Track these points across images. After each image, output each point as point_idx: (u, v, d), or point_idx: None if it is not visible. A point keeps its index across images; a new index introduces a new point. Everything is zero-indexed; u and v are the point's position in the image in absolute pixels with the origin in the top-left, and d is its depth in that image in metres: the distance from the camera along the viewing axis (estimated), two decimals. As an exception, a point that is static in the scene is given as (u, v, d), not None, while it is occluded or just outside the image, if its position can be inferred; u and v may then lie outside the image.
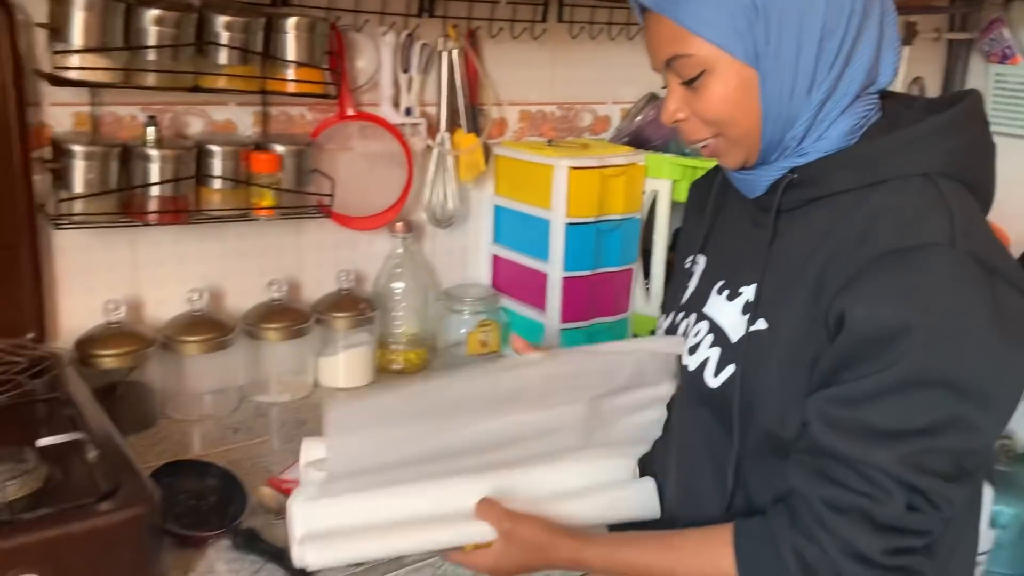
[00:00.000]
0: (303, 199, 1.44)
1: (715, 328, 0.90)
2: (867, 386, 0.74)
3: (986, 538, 2.16)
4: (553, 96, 1.82)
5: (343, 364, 1.53)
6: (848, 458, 0.76)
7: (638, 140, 1.82)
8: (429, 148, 1.64)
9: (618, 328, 1.71)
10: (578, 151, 1.65)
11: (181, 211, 1.34)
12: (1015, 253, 2.27)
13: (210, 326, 1.41)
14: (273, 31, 1.35)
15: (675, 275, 1.06)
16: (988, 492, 2.14)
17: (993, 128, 2.60)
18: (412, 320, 1.62)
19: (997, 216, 2.75)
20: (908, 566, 0.77)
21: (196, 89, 1.32)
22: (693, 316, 0.94)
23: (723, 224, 0.98)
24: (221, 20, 1.28)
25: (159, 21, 1.23)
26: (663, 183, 1.67)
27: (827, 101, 0.82)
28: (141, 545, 0.92)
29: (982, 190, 0.84)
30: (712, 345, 0.90)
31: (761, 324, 0.85)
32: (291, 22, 1.35)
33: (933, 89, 2.48)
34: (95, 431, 1.04)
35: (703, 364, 0.90)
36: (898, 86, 2.36)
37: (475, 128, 1.67)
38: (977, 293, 0.73)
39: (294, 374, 1.51)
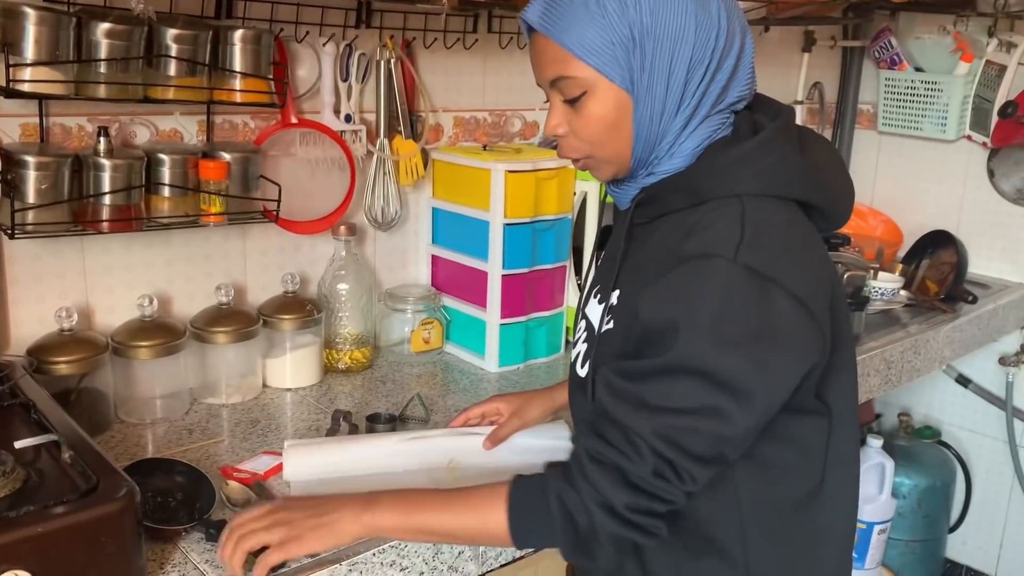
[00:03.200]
0: (250, 205, 1.49)
1: (589, 326, 1.04)
2: (643, 366, 0.87)
3: (888, 507, 2.35)
4: (485, 103, 1.90)
5: (290, 365, 1.58)
6: (616, 420, 0.88)
7: (566, 144, 1.92)
8: (370, 154, 1.70)
9: (554, 321, 1.80)
10: (512, 155, 1.74)
11: (132, 219, 1.37)
12: (907, 243, 2.48)
13: (160, 331, 1.44)
14: (220, 43, 1.39)
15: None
16: (889, 464, 2.32)
17: (883, 129, 2.82)
18: (357, 320, 1.68)
19: (889, 208, 2.96)
20: (647, 526, 0.89)
21: (145, 100, 1.35)
22: (582, 316, 1.09)
23: (614, 236, 1.11)
24: (170, 33, 1.32)
25: (110, 34, 1.26)
26: (592, 185, 1.77)
27: (689, 122, 0.92)
28: (124, 537, 0.95)
29: (806, 198, 0.94)
30: (584, 341, 1.05)
31: (610, 325, 0.98)
32: (238, 34, 1.39)
33: (832, 94, 2.66)
34: (65, 433, 1.07)
35: (578, 356, 1.05)
36: (799, 92, 2.54)
37: (413, 134, 1.74)
38: (744, 300, 0.84)
39: (243, 376, 1.55)
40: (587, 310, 1.07)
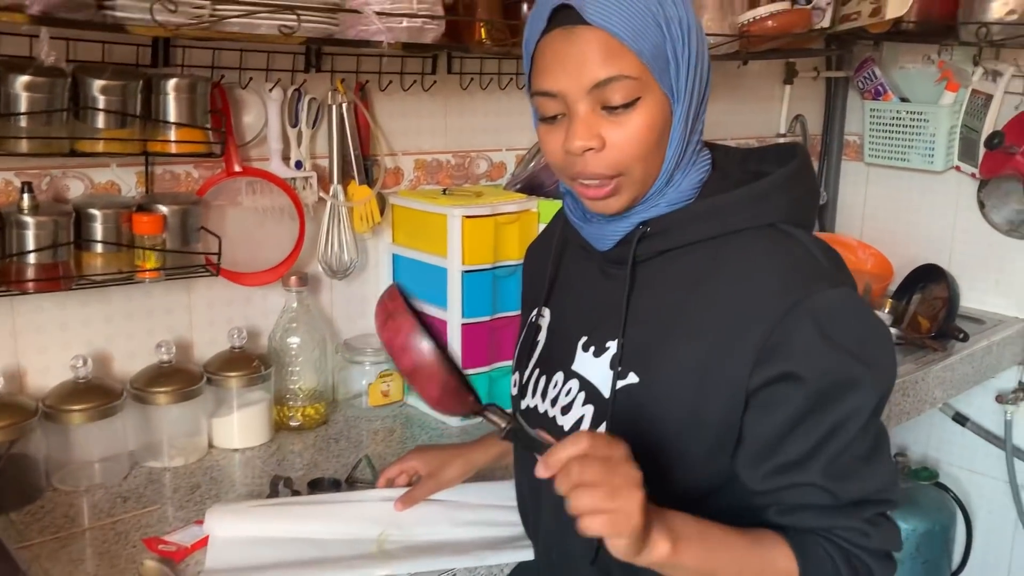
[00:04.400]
0: (190, 258, 1.42)
1: (587, 385, 0.91)
2: (849, 431, 0.80)
3: (885, 555, 2.24)
4: (447, 145, 1.84)
5: (238, 424, 1.51)
6: (868, 492, 0.82)
7: (532, 186, 1.85)
8: (322, 201, 1.64)
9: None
10: (472, 200, 1.68)
11: (60, 277, 1.30)
12: (899, 277, 2.40)
13: (96, 393, 1.37)
14: (153, 92, 1.34)
15: (521, 331, 1.07)
16: (884, 510, 2.22)
17: (868, 160, 2.74)
18: (310, 374, 1.61)
19: (878, 241, 2.87)
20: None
21: (73, 153, 1.29)
22: (560, 375, 0.95)
23: (568, 278, 1.00)
24: (96, 84, 1.27)
25: (30, 87, 1.21)
26: (556, 228, 1.71)
27: (687, 149, 0.86)
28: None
29: (809, 229, 0.91)
30: (585, 403, 0.91)
31: (632, 378, 0.86)
32: (171, 83, 1.34)
33: (814, 126, 2.60)
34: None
35: (578, 422, 0.91)
36: (782, 125, 2.48)
37: (368, 179, 1.68)
38: (868, 312, 0.84)
39: (187, 437, 1.47)
40: (576, 367, 0.93)
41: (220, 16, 1.21)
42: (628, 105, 0.80)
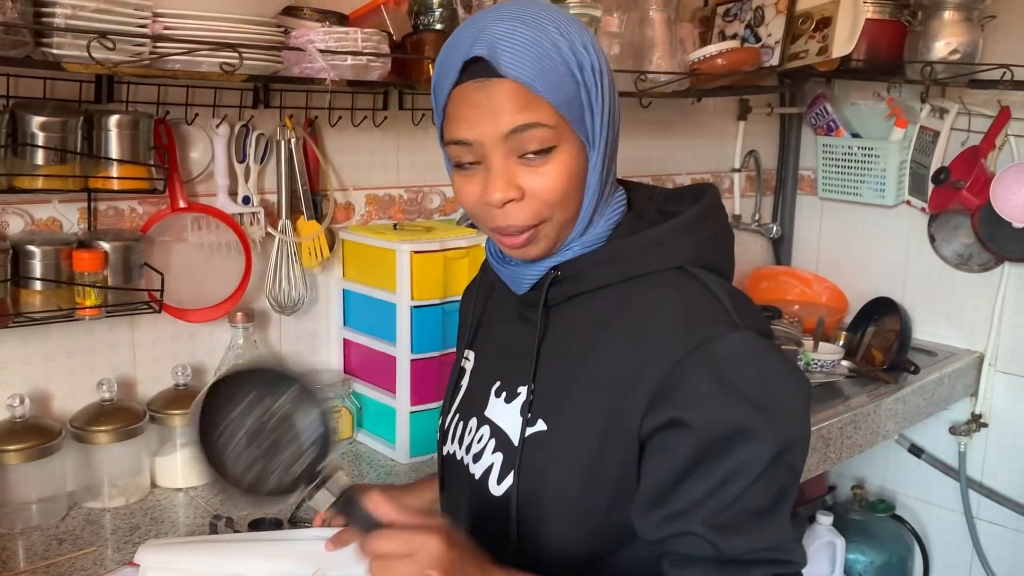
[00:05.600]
0: (132, 295, 1.41)
1: (496, 431, 0.89)
2: (739, 483, 0.76)
3: (842, 587, 2.24)
4: (400, 180, 1.85)
5: (181, 463, 1.48)
6: (756, 549, 0.77)
7: (484, 220, 1.86)
8: (270, 236, 1.64)
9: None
10: (421, 235, 1.68)
11: (-4, 315, 1.29)
12: (852, 308, 2.43)
13: (33, 432, 1.35)
14: (95, 128, 1.33)
15: (451, 375, 1.05)
16: (840, 543, 2.23)
17: (822, 195, 2.78)
18: (257, 411, 1.59)
19: (833, 274, 2.91)
20: None
21: (11, 190, 1.28)
22: (474, 420, 0.93)
23: (490, 321, 0.99)
24: (35, 120, 1.26)
25: (-35, 123, 1.20)
26: (507, 263, 1.71)
27: (604, 191, 0.85)
28: None
29: (726, 271, 0.89)
30: (495, 450, 0.89)
31: (540, 426, 0.85)
32: (113, 120, 1.33)
33: (769, 160, 2.63)
34: None
35: (488, 471, 0.88)
36: (736, 160, 2.51)
37: (317, 215, 1.68)
38: (775, 358, 0.80)
39: (130, 476, 1.45)
40: (488, 413, 0.91)
41: (160, 54, 1.21)
42: (545, 152, 0.80)
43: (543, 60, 0.78)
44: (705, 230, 0.86)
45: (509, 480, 0.86)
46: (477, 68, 0.79)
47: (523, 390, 0.88)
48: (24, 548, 1.30)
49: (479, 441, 0.91)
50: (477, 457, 0.91)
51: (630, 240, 0.85)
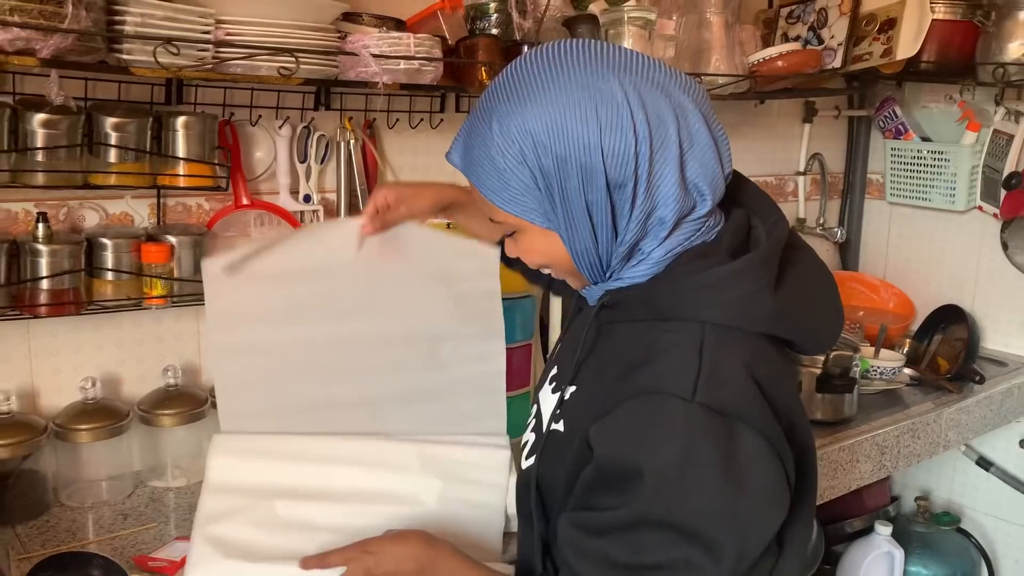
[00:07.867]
0: (197, 287, 1.48)
1: (538, 413, 0.98)
2: (607, 520, 0.80)
3: (903, 601, 2.19)
4: (454, 181, 1.89)
5: (240, 447, 1.56)
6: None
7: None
8: (329, 233, 1.70)
9: (519, 401, 1.75)
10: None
11: (71, 303, 1.38)
12: (920, 315, 2.37)
13: (103, 414, 1.44)
14: (163, 129, 1.42)
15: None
16: (899, 554, 2.18)
17: (890, 199, 2.70)
18: (313, 401, 1.65)
19: (901, 281, 2.82)
20: None
21: (87, 186, 1.37)
22: (540, 395, 1.03)
23: (577, 320, 1.04)
24: (109, 121, 1.35)
25: (46, 124, 1.29)
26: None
27: (642, 240, 0.86)
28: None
29: (782, 335, 0.88)
30: (532, 429, 0.98)
31: (560, 425, 0.92)
32: (180, 120, 1.41)
33: (835, 164, 2.59)
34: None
35: (526, 444, 0.99)
36: (801, 163, 2.48)
37: (374, 213, 1.74)
38: (706, 443, 0.77)
39: (192, 458, 1.53)
40: (540, 395, 1.02)
41: (221, 58, 1.28)
42: (511, 234, 0.90)
43: (503, 176, 0.83)
44: (731, 291, 0.84)
45: (532, 460, 0.96)
46: None
47: (568, 390, 0.94)
48: (93, 521, 1.39)
49: (533, 415, 1.03)
50: (528, 427, 1.03)
51: (660, 280, 0.86)
